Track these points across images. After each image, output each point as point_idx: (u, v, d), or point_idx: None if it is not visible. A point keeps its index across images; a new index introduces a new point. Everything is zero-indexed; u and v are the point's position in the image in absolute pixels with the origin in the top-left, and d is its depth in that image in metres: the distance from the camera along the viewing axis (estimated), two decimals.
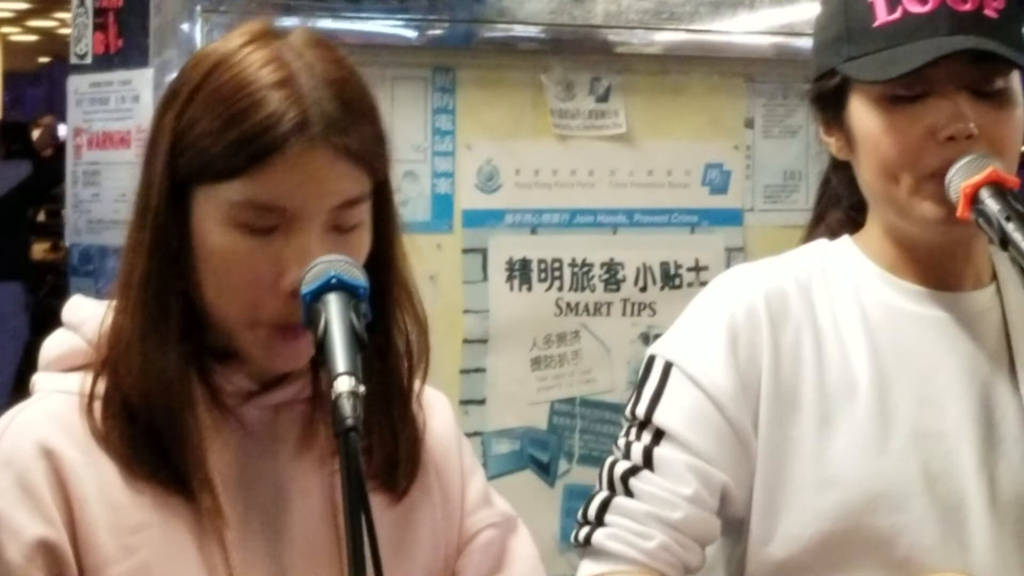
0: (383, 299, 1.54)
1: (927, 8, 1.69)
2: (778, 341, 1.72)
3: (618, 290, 3.20)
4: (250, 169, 1.46)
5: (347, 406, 1.30)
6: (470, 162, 3.08)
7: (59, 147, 9.03)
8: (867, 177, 1.74)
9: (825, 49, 1.77)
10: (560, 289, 3.15)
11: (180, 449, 1.49)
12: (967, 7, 1.69)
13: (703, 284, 1.86)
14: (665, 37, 3.20)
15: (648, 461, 1.71)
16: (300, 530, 1.54)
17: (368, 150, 1.50)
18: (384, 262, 1.56)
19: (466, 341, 3.07)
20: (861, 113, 1.72)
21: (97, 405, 1.51)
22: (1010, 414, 1.73)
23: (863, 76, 1.70)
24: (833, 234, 1.84)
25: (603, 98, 3.18)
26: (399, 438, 1.59)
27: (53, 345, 1.58)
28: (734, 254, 3.27)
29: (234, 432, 1.54)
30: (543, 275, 3.13)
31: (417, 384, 1.62)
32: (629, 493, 1.70)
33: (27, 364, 6.91)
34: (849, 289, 1.76)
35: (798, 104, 3.26)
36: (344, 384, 1.32)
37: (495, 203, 3.10)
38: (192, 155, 1.49)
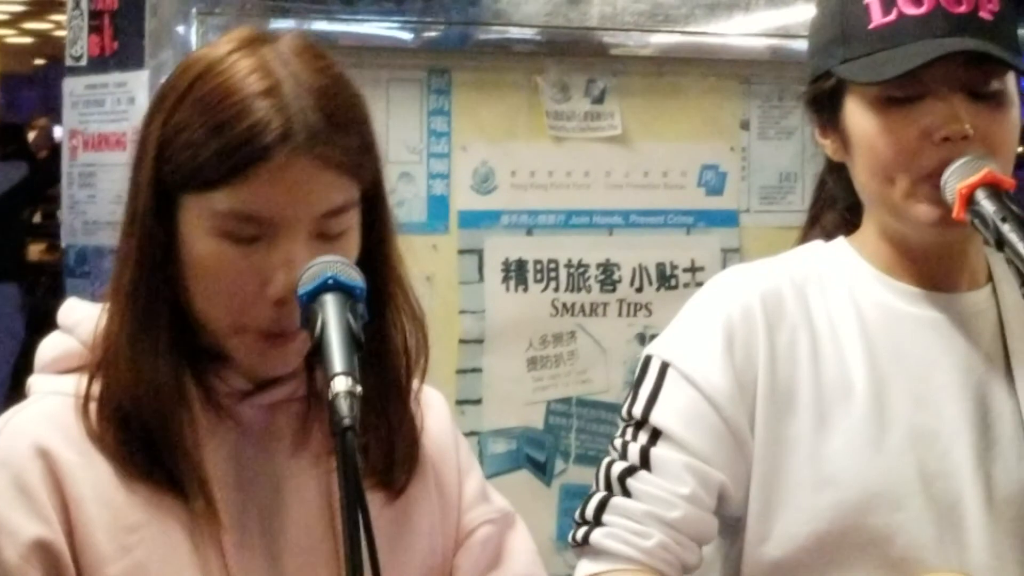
0: (380, 299, 1.54)
1: (922, 10, 1.69)
2: (774, 341, 1.72)
3: (614, 291, 3.20)
4: (234, 179, 1.45)
5: (344, 406, 1.31)
6: (466, 163, 3.08)
7: (55, 149, 9.00)
8: (863, 179, 1.74)
9: (821, 51, 1.77)
10: (556, 290, 3.15)
11: (173, 451, 1.49)
12: (962, 9, 1.69)
13: (699, 285, 1.86)
14: (660, 39, 3.20)
15: (645, 461, 1.71)
16: (297, 528, 1.55)
17: (353, 160, 1.49)
18: (380, 263, 1.56)
19: (462, 341, 3.07)
20: (857, 115, 1.72)
21: (92, 406, 1.51)
22: (1006, 414, 1.73)
23: (859, 78, 1.70)
24: (829, 235, 1.84)
25: (599, 100, 3.18)
26: (396, 436, 1.59)
27: (48, 347, 1.59)
28: (730, 255, 3.27)
29: (230, 431, 1.55)
30: (539, 276, 3.13)
31: (416, 383, 1.62)
32: (627, 493, 1.71)
33: (23, 365, 6.93)
34: (845, 290, 1.76)
35: (794, 106, 3.26)
36: (341, 384, 1.32)
37: (491, 204, 3.10)
38: (177, 163, 1.48)
